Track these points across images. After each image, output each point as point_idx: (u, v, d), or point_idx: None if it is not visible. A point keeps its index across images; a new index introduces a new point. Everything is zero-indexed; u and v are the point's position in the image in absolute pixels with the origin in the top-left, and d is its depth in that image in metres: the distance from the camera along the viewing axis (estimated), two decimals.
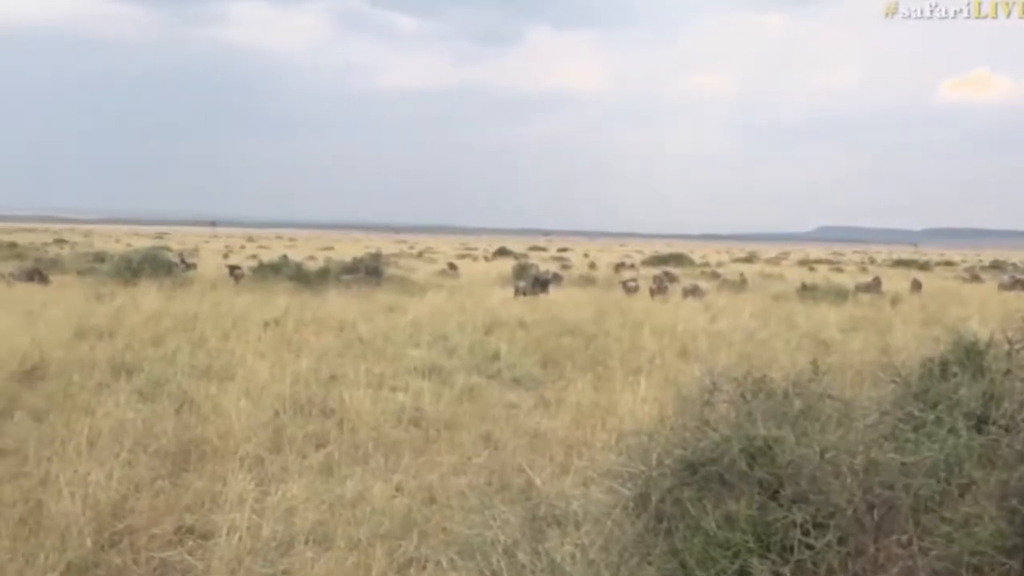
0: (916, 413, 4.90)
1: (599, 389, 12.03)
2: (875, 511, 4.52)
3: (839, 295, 29.15)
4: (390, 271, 34.66)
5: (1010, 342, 5.37)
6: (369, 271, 31.62)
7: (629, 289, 30.14)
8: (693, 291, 29.48)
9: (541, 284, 28.75)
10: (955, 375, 5.29)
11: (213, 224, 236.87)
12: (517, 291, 27.39)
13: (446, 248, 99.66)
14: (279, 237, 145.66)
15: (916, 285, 35.50)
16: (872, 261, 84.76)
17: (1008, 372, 5.20)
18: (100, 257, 40.64)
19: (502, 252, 77.72)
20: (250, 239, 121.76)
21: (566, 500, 6.35)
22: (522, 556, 5.68)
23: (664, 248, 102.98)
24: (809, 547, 4.41)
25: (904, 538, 4.48)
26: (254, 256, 52.43)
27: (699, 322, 20.26)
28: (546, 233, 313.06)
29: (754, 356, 14.30)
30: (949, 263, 76.32)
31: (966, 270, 58.71)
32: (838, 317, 22.29)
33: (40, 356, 13.12)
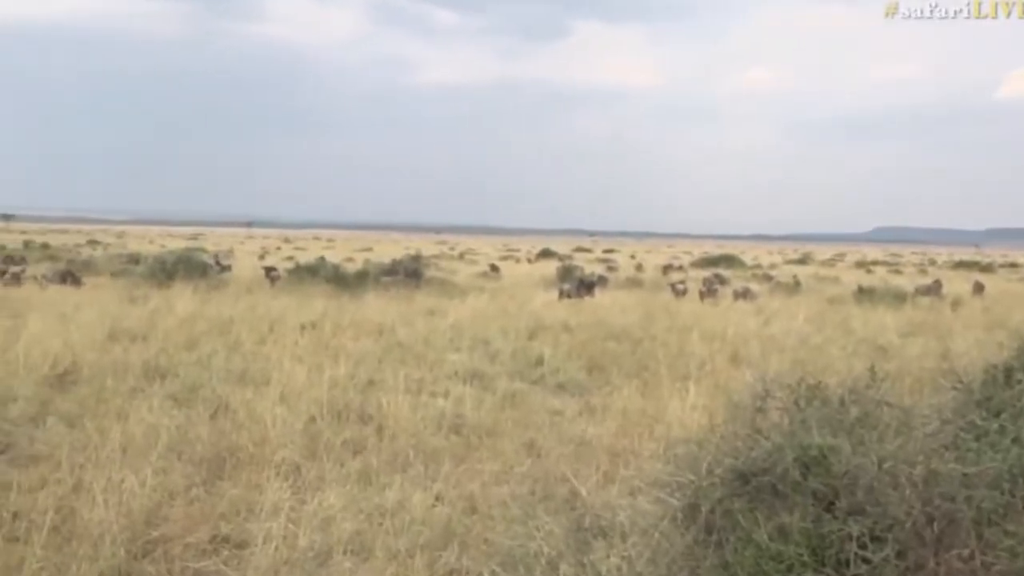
0: (979, 422, 4.85)
1: (646, 395, 12.01)
2: (935, 524, 4.48)
3: (897, 298, 28.92)
4: (430, 273, 34.77)
5: None
6: (409, 273, 31.71)
7: (678, 292, 30.01)
8: (744, 294, 29.35)
9: (586, 287, 28.71)
10: (1020, 382, 5.23)
11: (249, 225, 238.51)
12: (561, 294, 27.36)
13: (488, 249, 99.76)
14: (316, 238, 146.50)
15: (978, 288, 35.10)
16: (932, 263, 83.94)
17: None
18: (134, 259, 41.08)
19: (546, 253, 77.74)
20: (286, 240, 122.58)
21: (612, 510, 6.34)
22: (566, 569, 5.68)
23: (714, 249, 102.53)
24: (866, 561, 4.37)
25: (965, 552, 4.44)
26: (290, 257, 52.74)
27: (750, 326, 20.16)
28: (591, 234, 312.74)
29: (808, 362, 14.23)
30: (1013, 265, 75.38)
31: None
32: (896, 321, 22.10)
33: (73, 360, 13.27)
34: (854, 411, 4.97)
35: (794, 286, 36.05)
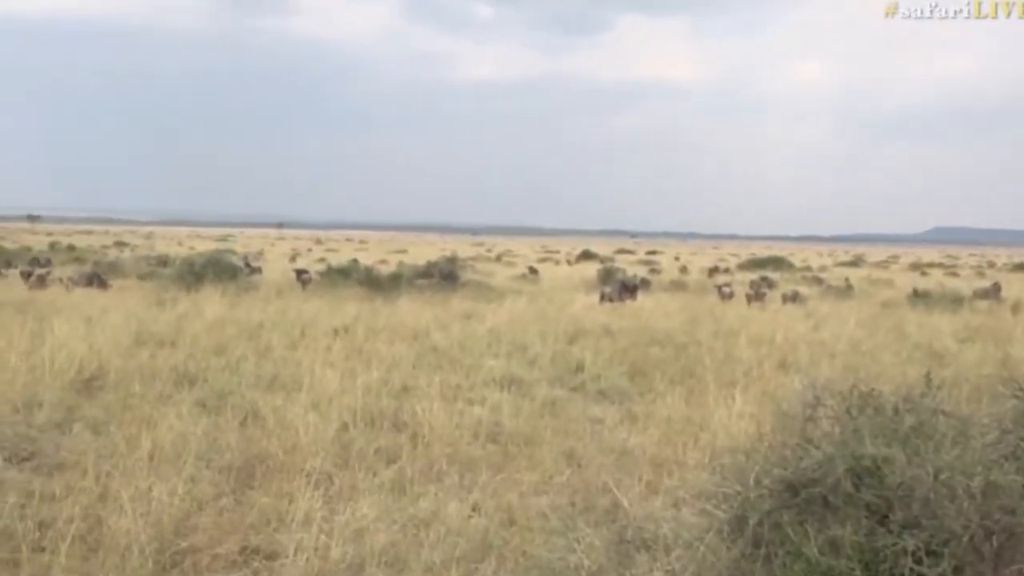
0: None
1: (691, 403, 11.97)
2: (994, 538, 4.44)
3: (954, 302, 28.70)
4: (467, 276, 34.83)
5: None
6: (444, 276, 31.79)
7: (724, 295, 29.93)
8: (793, 297, 29.23)
9: (628, 290, 28.68)
10: None
11: (280, 226, 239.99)
12: (602, 297, 27.35)
13: (526, 251, 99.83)
14: (349, 239, 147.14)
15: None
16: (991, 265, 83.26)
17: None
18: (162, 261, 41.41)
19: (586, 255, 77.75)
20: (318, 241, 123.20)
21: (655, 523, 6.32)
22: None
23: (762, 251, 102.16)
24: None
25: None
26: (322, 259, 52.96)
27: (800, 331, 20.06)
28: (633, 235, 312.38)
29: (860, 368, 14.14)
30: None
31: None
32: (953, 326, 21.93)
33: (99, 365, 13.39)
34: (909, 420, 4.94)
35: (846, 289, 35.88)
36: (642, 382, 14.00)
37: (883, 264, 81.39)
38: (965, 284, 40.91)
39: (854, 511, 4.54)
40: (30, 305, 20.86)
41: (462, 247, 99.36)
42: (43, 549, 6.82)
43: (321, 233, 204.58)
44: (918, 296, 30.24)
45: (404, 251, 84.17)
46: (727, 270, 55.41)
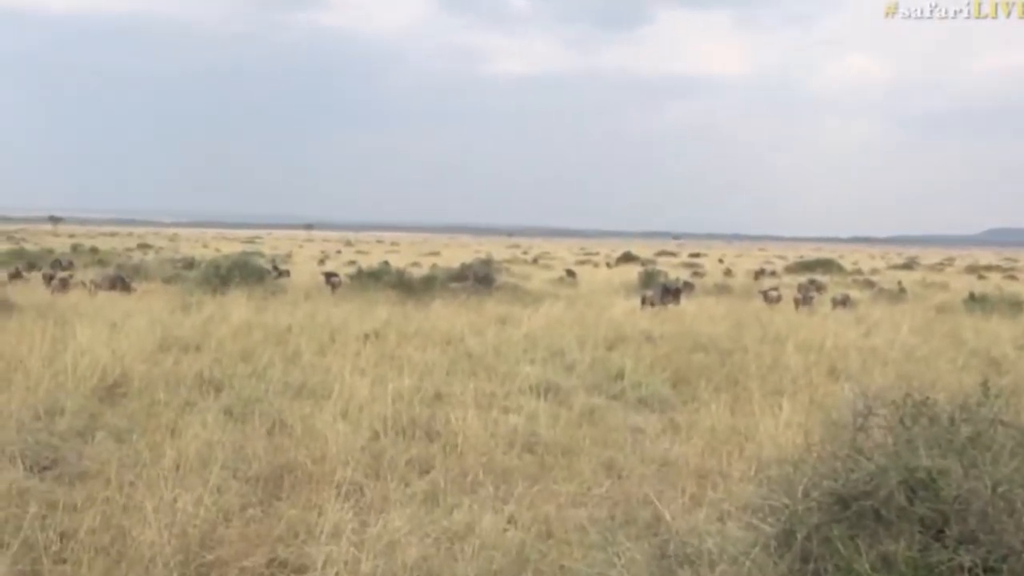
0: None
1: (736, 412, 11.93)
2: None
3: (1013, 306, 28.45)
4: (502, 279, 34.85)
5: None
6: (479, 279, 31.82)
7: (770, 299, 29.83)
8: (843, 302, 29.09)
9: (671, 294, 28.60)
10: None
11: (308, 227, 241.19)
12: (644, 301, 27.29)
13: (564, 253, 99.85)
14: (380, 241, 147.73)
15: None
16: None
17: None
18: (188, 263, 41.68)
19: (626, 258, 77.73)
20: (348, 243, 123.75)
21: (699, 537, 6.31)
22: None
23: (810, 253, 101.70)
24: None
25: None
26: (352, 262, 53.15)
27: (850, 337, 19.97)
28: (676, 236, 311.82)
29: (914, 376, 14.04)
30: None
31: None
32: (1012, 332, 21.77)
33: (122, 371, 13.47)
34: (965, 430, 4.91)
35: (898, 293, 35.68)
36: (685, 390, 13.97)
37: (938, 267, 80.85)
38: None
39: (908, 525, 4.52)
40: (52, 309, 21.04)
41: (497, 249, 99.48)
42: (65, 561, 6.87)
43: (351, 234, 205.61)
44: (975, 300, 30.01)
45: (437, 253, 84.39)
46: (774, 273, 55.22)
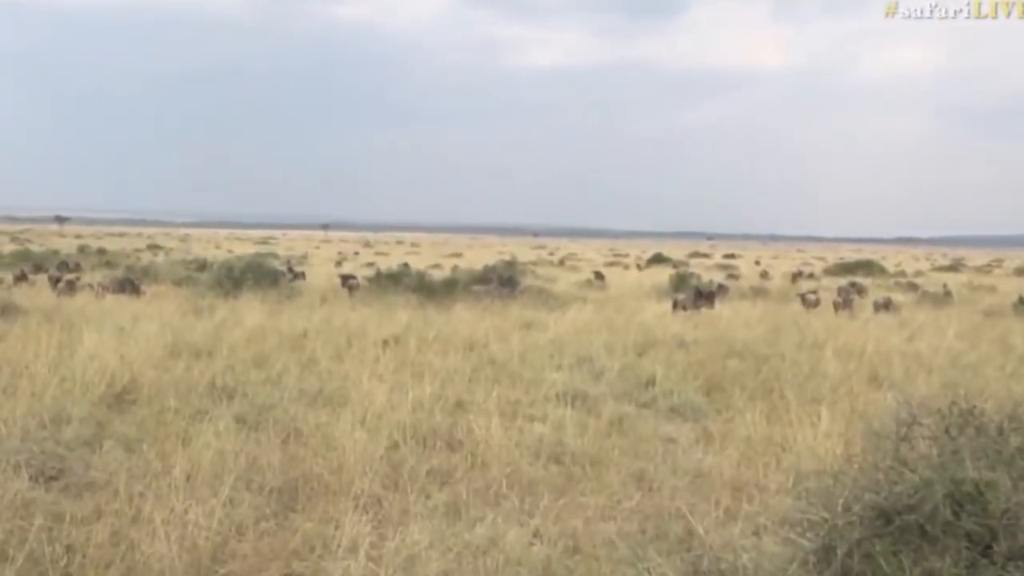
0: None
1: (773, 421, 11.89)
2: None
3: None
4: (527, 282, 34.90)
5: None
6: (503, 282, 31.84)
7: (808, 303, 29.73)
8: (886, 305, 28.96)
9: (704, 297, 28.55)
10: None
11: (325, 227, 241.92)
12: (676, 305, 27.26)
13: (592, 254, 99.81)
14: (399, 242, 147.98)
15: None
16: None
17: None
18: (199, 265, 41.84)
19: (657, 259, 77.74)
20: (366, 244, 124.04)
21: (734, 552, 6.29)
22: None
23: (851, 254, 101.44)
24: None
25: None
26: (370, 264, 53.33)
27: (893, 342, 19.88)
28: (709, 237, 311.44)
29: (960, 384, 13.95)
30: None
31: None
32: None
33: (131, 377, 13.53)
34: (1015, 440, 4.88)
35: (944, 296, 35.50)
36: (719, 398, 13.94)
37: (985, 268, 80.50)
38: None
39: (954, 541, 4.49)
40: (58, 313, 21.17)
41: (522, 250, 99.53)
42: (71, 575, 6.90)
43: (369, 235, 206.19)
44: None
45: (459, 255, 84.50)
46: (812, 275, 55.04)
